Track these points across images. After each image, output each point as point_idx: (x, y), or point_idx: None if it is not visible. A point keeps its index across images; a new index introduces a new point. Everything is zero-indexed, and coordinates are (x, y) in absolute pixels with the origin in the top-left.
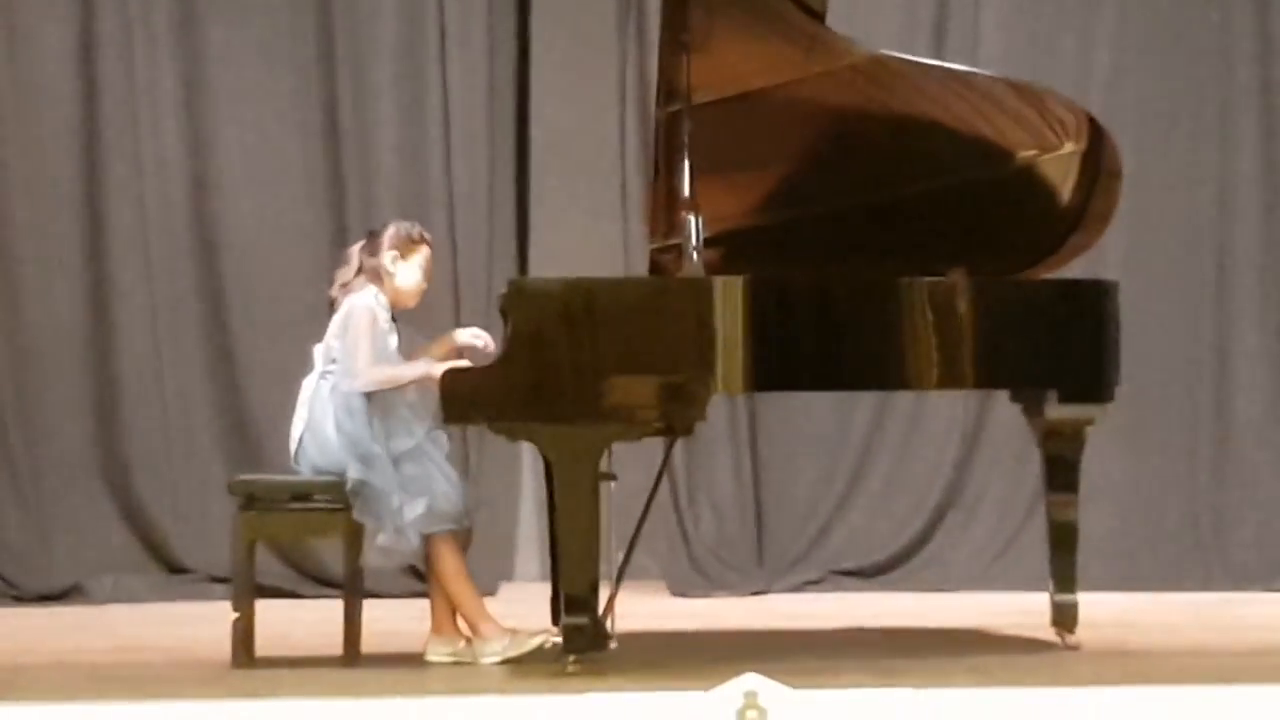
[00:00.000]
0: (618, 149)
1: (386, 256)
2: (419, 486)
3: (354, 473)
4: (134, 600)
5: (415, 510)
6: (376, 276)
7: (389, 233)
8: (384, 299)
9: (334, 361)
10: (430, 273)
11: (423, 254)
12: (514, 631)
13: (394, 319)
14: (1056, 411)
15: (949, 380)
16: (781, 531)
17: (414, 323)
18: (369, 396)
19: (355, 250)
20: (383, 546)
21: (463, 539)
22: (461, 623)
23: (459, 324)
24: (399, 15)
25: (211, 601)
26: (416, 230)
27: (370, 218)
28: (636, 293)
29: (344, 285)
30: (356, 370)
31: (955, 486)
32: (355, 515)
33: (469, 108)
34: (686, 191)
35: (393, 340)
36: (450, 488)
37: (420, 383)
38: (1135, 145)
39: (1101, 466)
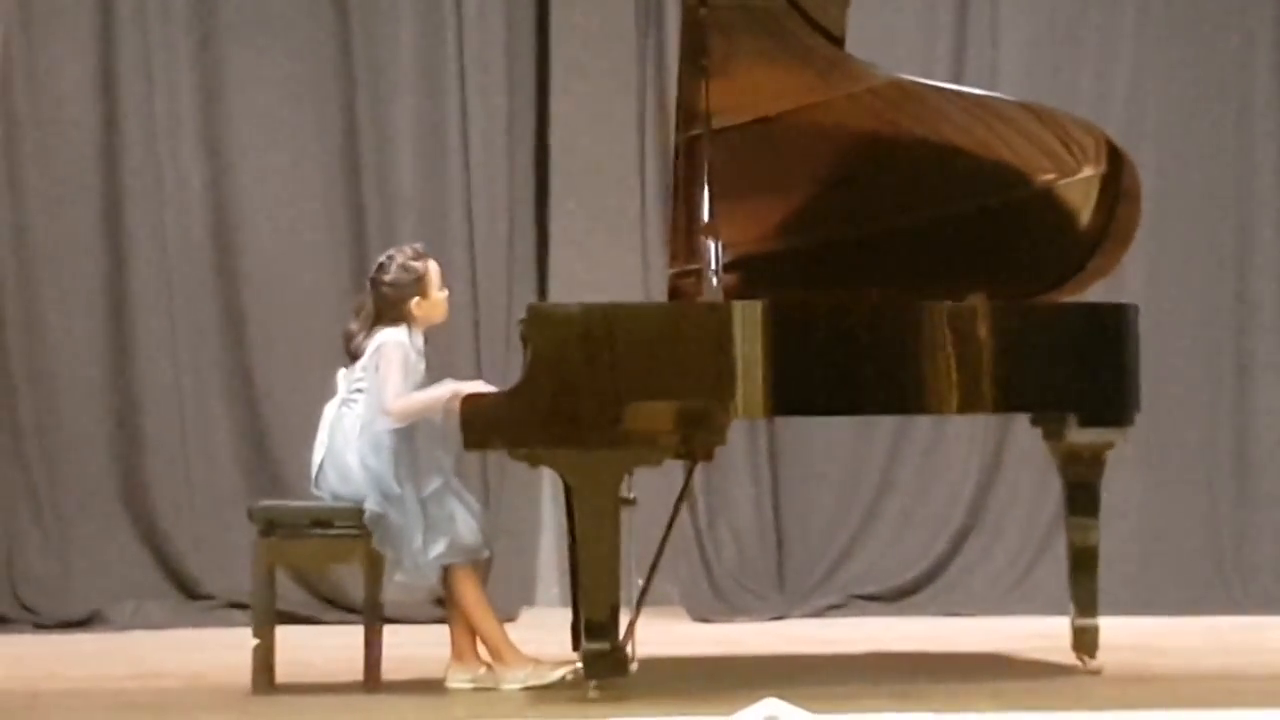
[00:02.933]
0: (637, 174)
1: (411, 305)
2: (443, 526)
3: (373, 504)
4: (154, 626)
5: (437, 548)
6: (402, 318)
7: (391, 278)
8: (416, 333)
9: (358, 391)
10: (444, 279)
11: (434, 276)
12: (537, 661)
13: (424, 342)
14: (1077, 435)
15: (969, 404)
16: (802, 556)
17: (435, 346)
18: (397, 433)
19: (366, 300)
20: (401, 583)
21: (483, 567)
22: (482, 649)
23: (479, 349)
24: (418, 42)
25: (232, 628)
26: (414, 261)
27: (390, 243)
28: (656, 318)
29: (367, 333)
30: (386, 406)
31: (975, 510)
32: (374, 545)
33: (488, 134)
34: (706, 216)
35: (421, 367)
36: (471, 518)
37: (449, 408)
38: (1155, 169)
39: (1122, 490)
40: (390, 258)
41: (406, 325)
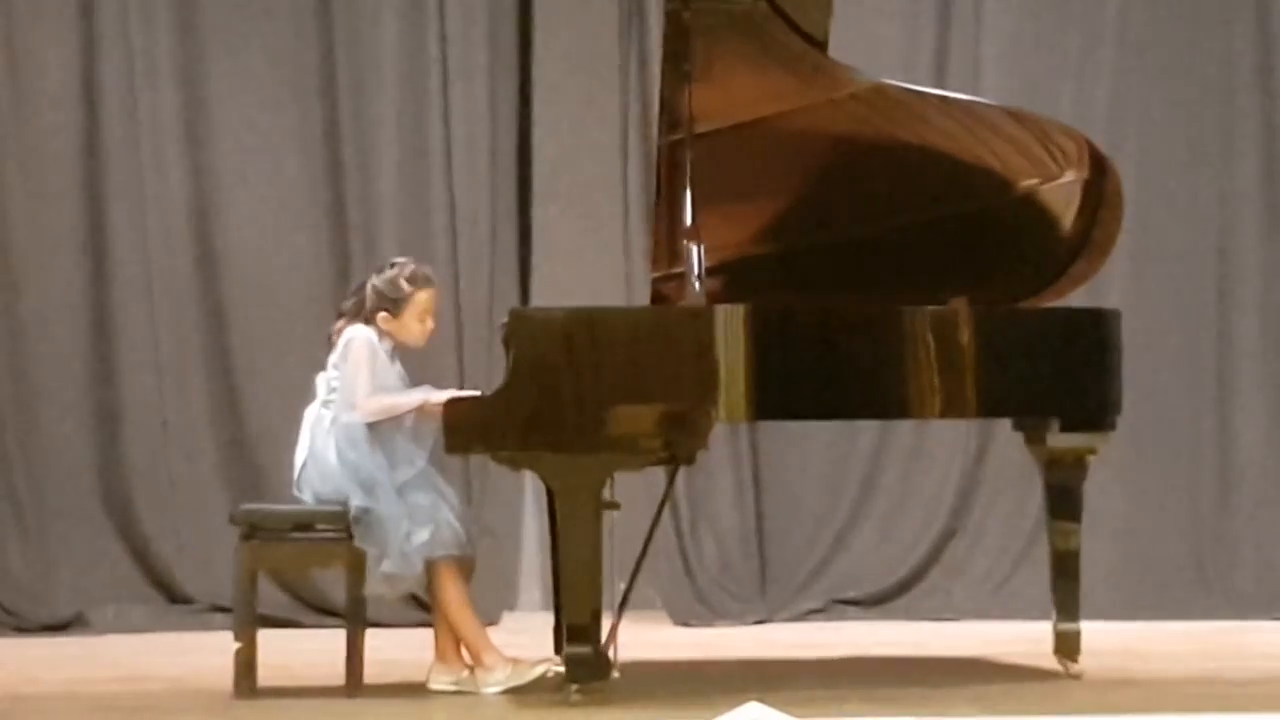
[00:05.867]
0: (620, 178)
1: (379, 318)
2: (425, 515)
3: (358, 500)
4: (136, 630)
5: (421, 537)
6: (372, 321)
7: (378, 286)
8: (385, 339)
9: (334, 391)
10: (435, 311)
11: (417, 303)
12: (516, 661)
13: (394, 347)
14: (1059, 440)
15: (951, 409)
16: (784, 561)
17: (417, 350)
18: (370, 426)
19: (366, 287)
20: (387, 574)
21: (466, 567)
22: (465, 651)
23: (461, 354)
24: (400, 47)
25: (214, 631)
26: (405, 280)
27: (372, 248)
28: (638, 322)
29: (345, 324)
30: (355, 402)
31: (957, 515)
32: (357, 542)
33: (471, 138)
34: (688, 220)
35: (394, 369)
36: (454, 514)
37: (419, 410)
38: (1137, 173)
39: (1104, 495)
40: (395, 265)
41: (376, 328)
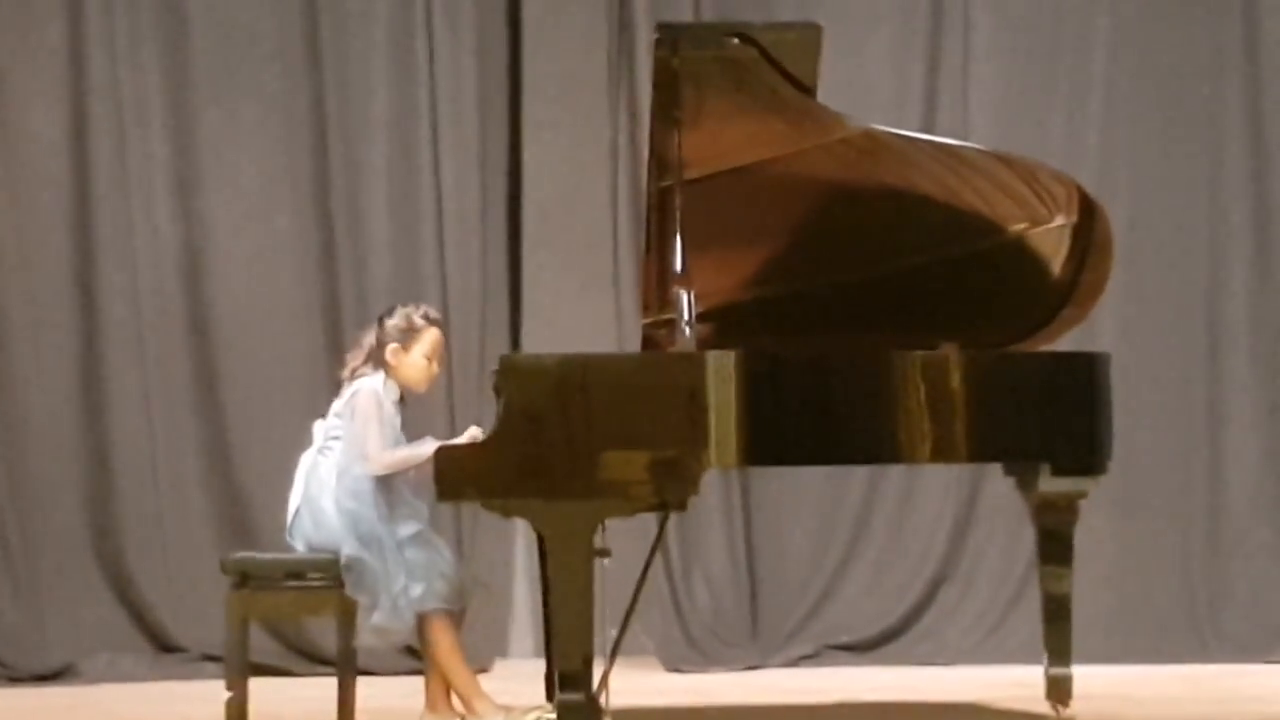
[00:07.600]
0: (610, 224)
1: (388, 350)
2: (420, 571)
3: (349, 549)
4: (128, 679)
5: (415, 591)
6: (382, 365)
7: (391, 322)
8: (392, 384)
9: (334, 439)
10: (441, 356)
11: (427, 340)
12: (508, 708)
13: (402, 399)
14: (1049, 484)
15: (942, 454)
16: (776, 606)
17: (409, 399)
18: (377, 478)
19: (367, 335)
20: (376, 626)
21: (457, 615)
22: (456, 699)
23: (452, 400)
24: (391, 94)
25: (205, 680)
26: (419, 316)
27: (363, 295)
28: (629, 368)
29: (353, 370)
30: (369, 455)
31: (949, 560)
32: (348, 591)
33: (461, 185)
34: (679, 266)
35: (398, 422)
36: (447, 566)
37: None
38: (1126, 217)
39: (1096, 539)
40: (405, 305)
41: (385, 373)
